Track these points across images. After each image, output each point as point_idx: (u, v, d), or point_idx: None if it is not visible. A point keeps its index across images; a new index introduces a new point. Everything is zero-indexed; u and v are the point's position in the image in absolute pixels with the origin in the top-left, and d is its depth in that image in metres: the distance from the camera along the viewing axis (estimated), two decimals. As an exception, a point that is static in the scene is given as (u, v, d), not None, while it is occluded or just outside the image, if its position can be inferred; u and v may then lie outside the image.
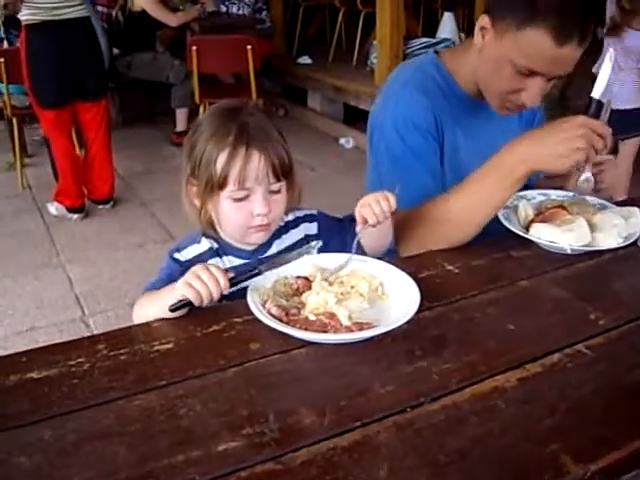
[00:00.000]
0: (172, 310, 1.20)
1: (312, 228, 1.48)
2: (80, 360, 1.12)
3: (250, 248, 1.41)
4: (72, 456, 0.91)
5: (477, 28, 1.52)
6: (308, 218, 1.48)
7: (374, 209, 1.29)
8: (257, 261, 1.36)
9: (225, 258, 1.40)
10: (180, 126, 5.83)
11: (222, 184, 1.30)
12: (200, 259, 1.36)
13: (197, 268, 1.21)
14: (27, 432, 0.96)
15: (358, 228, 1.33)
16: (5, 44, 5.60)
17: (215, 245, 1.40)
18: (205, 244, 1.40)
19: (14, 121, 4.96)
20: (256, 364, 1.11)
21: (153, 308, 1.26)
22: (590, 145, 1.34)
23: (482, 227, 1.49)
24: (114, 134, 4.72)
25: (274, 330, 1.14)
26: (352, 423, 0.97)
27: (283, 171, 1.34)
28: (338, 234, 1.44)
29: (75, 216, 4.48)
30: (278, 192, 1.36)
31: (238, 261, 1.40)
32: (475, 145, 1.67)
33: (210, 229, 1.41)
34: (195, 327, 1.21)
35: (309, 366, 1.11)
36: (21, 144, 5.14)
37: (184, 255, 1.40)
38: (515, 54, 1.44)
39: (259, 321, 1.16)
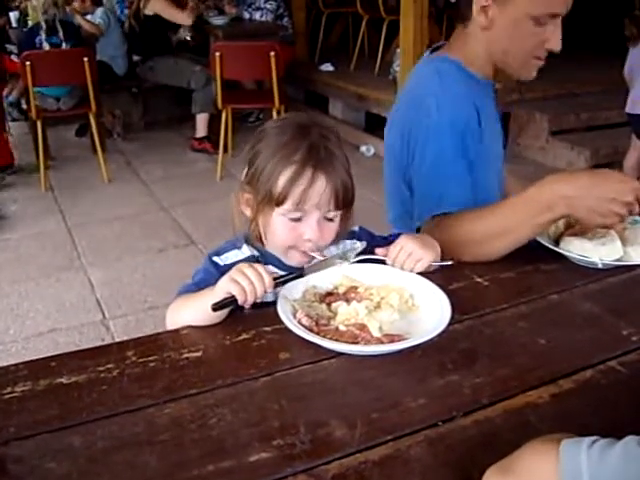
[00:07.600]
0: (215, 309, 1.17)
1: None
2: (109, 366, 1.12)
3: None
4: (102, 464, 0.91)
5: (476, 10, 1.56)
6: (349, 237, 1.42)
7: (405, 262, 1.29)
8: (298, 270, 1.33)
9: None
10: (200, 132, 5.81)
11: (280, 201, 1.26)
12: None
13: (242, 265, 1.19)
14: (57, 438, 0.96)
15: (379, 252, 1.32)
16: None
17: (256, 253, 1.37)
18: (246, 251, 1.36)
19: (38, 123, 5.01)
20: (286, 374, 1.10)
21: (189, 310, 1.24)
22: (628, 212, 1.36)
23: (506, 253, 1.48)
24: (136, 138, 4.74)
25: (304, 340, 1.13)
26: (383, 436, 0.96)
27: (345, 201, 1.30)
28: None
29: None
30: (332, 220, 1.31)
31: (278, 272, 1.34)
32: (490, 126, 1.66)
33: (255, 238, 1.38)
34: (224, 335, 1.21)
35: (339, 377, 1.10)
36: (45, 146, 5.17)
37: (223, 259, 1.35)
38: (530, 7, 1.50)
39: (289, 330, 1.15)
